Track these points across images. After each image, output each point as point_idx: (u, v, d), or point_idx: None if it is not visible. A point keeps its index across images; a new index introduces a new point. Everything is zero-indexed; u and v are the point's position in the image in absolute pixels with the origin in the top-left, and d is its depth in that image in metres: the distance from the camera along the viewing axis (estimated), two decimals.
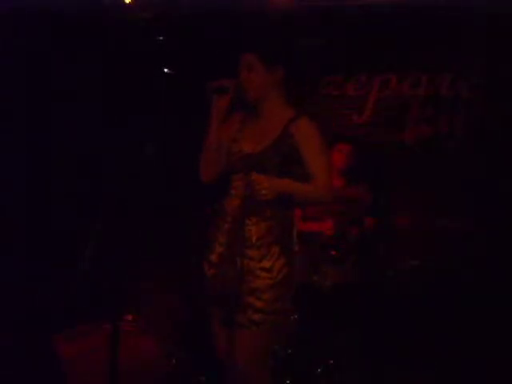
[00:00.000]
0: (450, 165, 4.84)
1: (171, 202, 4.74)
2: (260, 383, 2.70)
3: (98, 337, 4.11)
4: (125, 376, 3.06)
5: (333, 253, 4.09)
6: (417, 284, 4.29)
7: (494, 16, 4.47)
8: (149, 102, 4.85)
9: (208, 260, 2.73)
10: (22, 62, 4.72)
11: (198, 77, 4.92)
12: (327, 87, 5.15)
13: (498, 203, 4.64)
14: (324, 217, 4.26)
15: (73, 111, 4.84)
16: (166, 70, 5.15)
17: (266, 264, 2.59)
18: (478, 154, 4.78)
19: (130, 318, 4.67)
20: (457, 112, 4.95)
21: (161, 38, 5.15)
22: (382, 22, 4.73)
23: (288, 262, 2.63)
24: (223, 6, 4.72)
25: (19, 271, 4.26)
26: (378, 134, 5.07)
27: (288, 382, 3.69)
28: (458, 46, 4.83)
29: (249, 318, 2.60)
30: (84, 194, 4.72)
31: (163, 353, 4.10)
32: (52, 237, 4.64)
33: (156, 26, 5.05)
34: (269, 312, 2.60)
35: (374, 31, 4.79)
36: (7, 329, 3.40)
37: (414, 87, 5.01)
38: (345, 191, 4.43)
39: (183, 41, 5.05)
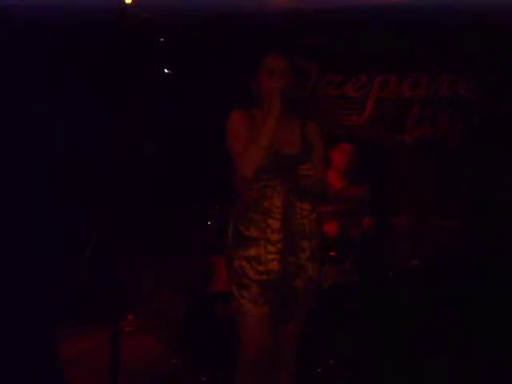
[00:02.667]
0: (450, 165, 4.85)
1: (172, 202, 4.74)
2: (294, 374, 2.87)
3: (98, 337, 4.11)
4: (125, 375, 3.07)
5: (332, 253, 4.09)
6: (417, 284, 4.29)
7: (493, 16, 4.48)
8: (149, 103, 4.85)
9: (257, 260, 2.69)
10: (20, 61, 4.72)
11: (198, 77, 4.96)
12: (327, 87, 5.15)
13: (497, 203, 4.65)
14: (327, 218, 4.25)
15: (72, 112, 4.84)
16: (166, 70, 5.16)
17: (315, 255, 2.75)
18: (477, 153, 4.78)
19: (130, 317, 4.68)
20: (457, 112, 4.96)
21: (161, 38, 5.15)
22: (382, 23, 4.74)
23: (323, 254, 2.85)
24: (223, 6, 4.72)
25: (19, 271, 4.26)
26: (378, 134, 5.08)
27: None
28: (458, 46, 4.83)
29: (305, 310, 2.77)
30: (84, 194, 4.72)
31: (163, 353, 4.10)
32: (52, 236, 4.64)
33: (156, 26, 5.05)
34: (315, 302, 2.82)
35: (375, 32, 4.80)
36: (7, 328, 3.40)
37: (414, 87, 5.02)
38: (346, 191, 4.43)
39: (183, 41, 5.05)
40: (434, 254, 4.47)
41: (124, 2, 4.67)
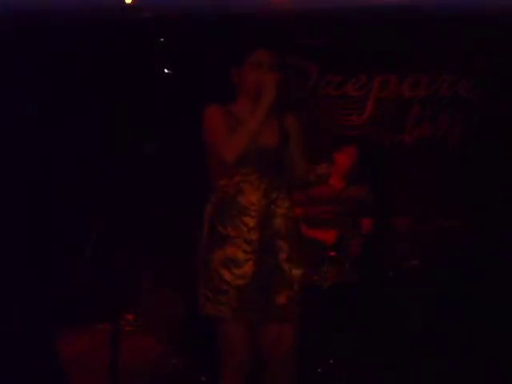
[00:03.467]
0: (450, 165, 4.85)
1: (172, 202, 4.74)
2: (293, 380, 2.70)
3: (98, 337, 4.12)
4: (125, 376, 3.07)
5: (332, 253, 4.09)
6: (417, 284, 4.29)
7: (493, 16, 4.48)
8: (149, 103, 4.85)
9: (233, 262, 2.56)
10: (20, 61, 4.72)
11: (198, 77, 4.96)
12: (327, 87, 5.15)
13: (497, 203, 4.65)
14: (327, 227, 4.26)
15: (72, 112, 4.84)
16: (166, 70, 5.16)
17: (293, 255, 2.61)
18: (477, 153, 4.78)
19: (130, 317, 4.68)
20: (457, 112, 4.96)
21: (161, 38, 5.15)
22: (382, 23, 4.74)
23: (302, 254, 2.68)
24: (224, 6, 4.72)
25: (19, 270, 4.26)
26: (378, 134, 5.08)
27: None
28: (458, 46, 4.83)
29: (292, 312, 2.60)
30: (84, 194, 4.72)
31: (163, 353, 4.10)
32: (52, 236, 4.64)
33: (156, 26, 5.05)
34: (299, 303, 2.64)
35: (375, 32, 4.80)
36: (8, 328, 3.40)
37: (414, 87, 5.02)
38: (346, 191, 4.43)
39: (183, 41, 5.05)
40: (434, 254, 4.47)
41: (124, 2, 4.67)
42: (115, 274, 3.44)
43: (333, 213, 4.21)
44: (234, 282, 2.55)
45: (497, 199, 4.68)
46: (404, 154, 5.03)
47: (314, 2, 4.72)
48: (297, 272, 2.61)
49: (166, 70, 5.13)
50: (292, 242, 2.62)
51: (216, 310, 2.58)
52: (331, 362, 3.83)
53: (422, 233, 4.54)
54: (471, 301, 4.18)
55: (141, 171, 4.44)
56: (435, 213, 4.67)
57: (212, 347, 3.79)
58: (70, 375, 3.19)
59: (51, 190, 4.79)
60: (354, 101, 5.11)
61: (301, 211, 4.01)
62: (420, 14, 4.61)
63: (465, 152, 4.88)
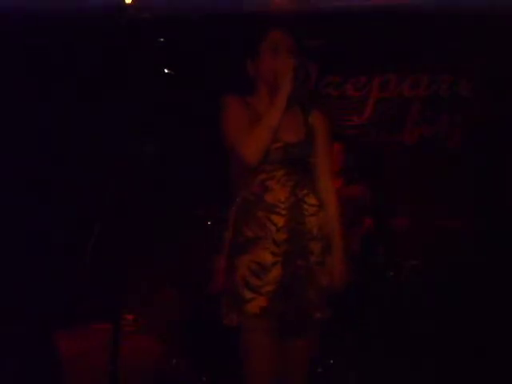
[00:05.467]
0: (450, 165, 4.85)
1: (172, 202, 4.74)
2: None
3: (98, 337, 4.11)
4: (125, 376, 3.07)
5: None
6: (417, 284, 4.29)
7: (493, 16, 4.48)
8: (148, 103, 4.85)
9: (260, 266, 2.34)
10: (21, 61, 4.72)
11: (198, 77, 4.96)
12: (327, 87, 5.15)
13: (497, 203, 4.65)
14: None
15: (72, 111, 4.84)
16: (166, 70, 5.16)
17: (324, 259, 2.42)
18: (477, 153, 4.79)
19: (130, 317, 4.67)
20: (457, 112, 4.96)
21: (161, 39, 5.14)
22: (382, 23, 4.74)
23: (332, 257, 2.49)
24: (224, 6, 4.72)
25: (19, 270, 4.26)
26: (378, 134, 5.08)
27: None
28: (458, 46, 4.84)
29: (316, 322, 2.39)
30: (84, 193, 4.72)
31: (163, 353, 4.10)
32: (52, 236, 4.64)
33: (156, 26, 5.05)
34: (326, 313, 2.44)
35: (375, 31, 4.80)
36: (8, 328, 3.40)
37: (414, 87, 5.02)
38: (344, 191, 4.43)
39: (183, 41, 5.05)
40: (433, 254, 4.47)
41: (124, 2, 4.67)
42: (115, 274, 3.44)
43: None
44: (262, 288, 2.32)
45: (497, 199, 4.68)
46: (404, 153, 5.03)
47: (313, 1, 4.73)
48: (326, 278, 2.42)
49: (166, 71, 5.13)
50: (323, 244, 2.43)
51: (240, 320, 2.37)
52: (331, 361, 3.83)
53: (421, 233, 4.55)
54: (471, 301, 4.18)
55: (141, 171, 4.45)
56: (435, 213, 4.68)
57: (212, 347, 3.80)
58: (70, 375, 3.19)
59: (51, 189, 4.79)
60: (354, 101, 5.12)
61: None
62: (420, 14, 4.62)
63: (465, 152, 4.88)
